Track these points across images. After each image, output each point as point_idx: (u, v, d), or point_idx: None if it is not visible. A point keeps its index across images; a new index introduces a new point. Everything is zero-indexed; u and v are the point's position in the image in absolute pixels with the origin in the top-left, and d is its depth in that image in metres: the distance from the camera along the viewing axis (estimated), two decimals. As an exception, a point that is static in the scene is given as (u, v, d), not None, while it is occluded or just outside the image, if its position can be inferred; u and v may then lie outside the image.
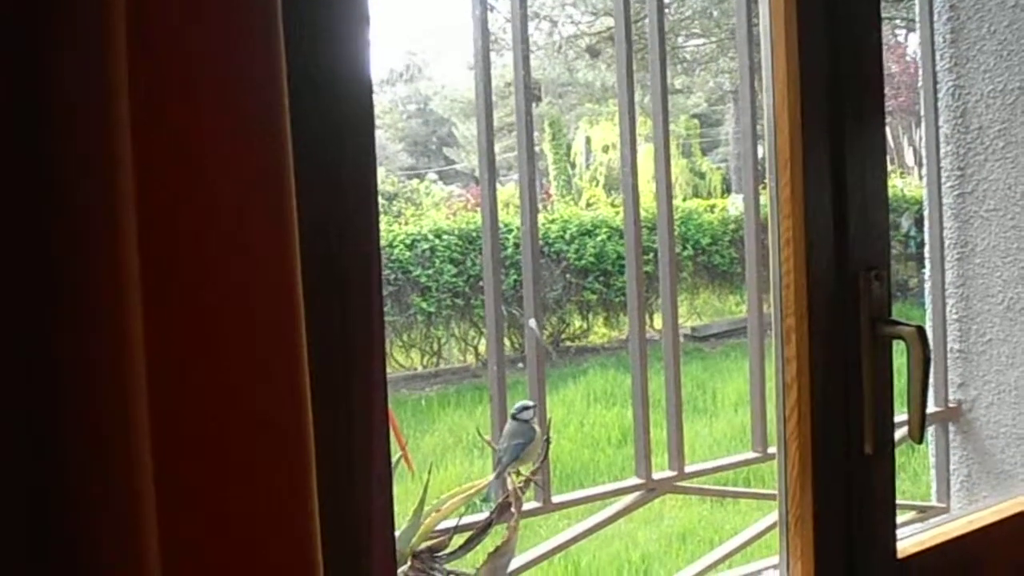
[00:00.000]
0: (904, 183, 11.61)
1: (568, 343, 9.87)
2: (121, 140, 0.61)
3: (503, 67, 11.84)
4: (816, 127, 1.33)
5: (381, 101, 18.75)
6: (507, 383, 1.62)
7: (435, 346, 9.35)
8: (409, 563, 1.37)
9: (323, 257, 0.86)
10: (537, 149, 14.08)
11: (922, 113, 2.17)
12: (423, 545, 1.40)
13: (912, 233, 10.16)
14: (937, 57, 2.13)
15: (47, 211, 0.59)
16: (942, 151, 2.13)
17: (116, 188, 0.61)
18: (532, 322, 1.45)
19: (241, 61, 0.70)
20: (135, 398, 0.61)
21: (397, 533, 1.39)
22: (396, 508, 1.03)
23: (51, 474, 0.59)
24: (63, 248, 0.59)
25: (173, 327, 0.67)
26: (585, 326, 10.03)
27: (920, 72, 2.19)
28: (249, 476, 0.71)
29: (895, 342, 1.40)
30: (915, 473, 4.95)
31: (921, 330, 1.37)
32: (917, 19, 2.19)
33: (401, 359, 9.15)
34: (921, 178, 2.46)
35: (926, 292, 2.19)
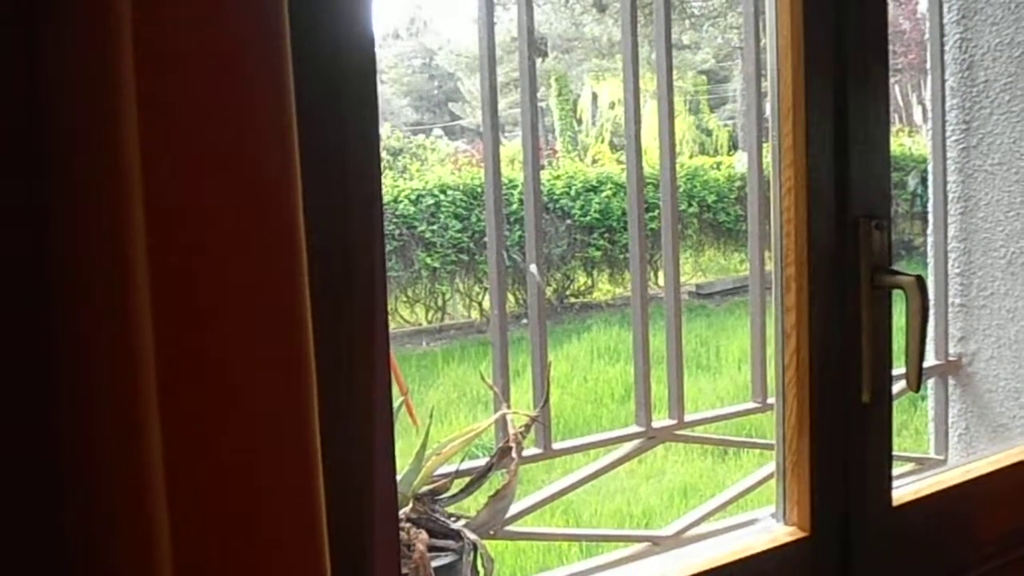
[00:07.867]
0: (912, 142, 11.53)
1: (572, 300, 9.89)
2: (126, 105, 0.62)
3: (509, 21, 11.74)
4: (819, 75, 1.33)
5: (387, 55, 18.61)
6: (510, 338, 1.63)
7: (440, 302, 9.38)
8: (411, 506, 1.39)
9: (325, 208, 0.86)
10: (543, 105, 14.00)
11: (928, 66, 2.15)
12: (424, 488, 1.43)
13: (919, 192, 10.11)
14: (945, 9, 2.11)
15: (50, 202, 0.59)
16: (947, 105, 2.12)
17: (119, 147, 0.61)
18: (533, 267, 1.47)
19: (243, 16, 0.70)
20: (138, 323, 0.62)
21: (399, 477, 1.41)
22: (399, 460, 1.04)
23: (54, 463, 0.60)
24: (68, 242, 0.59)
25: (176, 283, 0.67)
26: (590, 283, 10.05)
27: (927, 25, 2.17)
28: (250, 413, 0.72)
29: (895, 294, 1.40)
30: (916, 431, 4.99)
31: (920, 280, 1.37)
32: (925, -30, 2.16)
33: (406, 314, 9.18)
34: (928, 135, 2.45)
35: (928, 247, 2.19)
